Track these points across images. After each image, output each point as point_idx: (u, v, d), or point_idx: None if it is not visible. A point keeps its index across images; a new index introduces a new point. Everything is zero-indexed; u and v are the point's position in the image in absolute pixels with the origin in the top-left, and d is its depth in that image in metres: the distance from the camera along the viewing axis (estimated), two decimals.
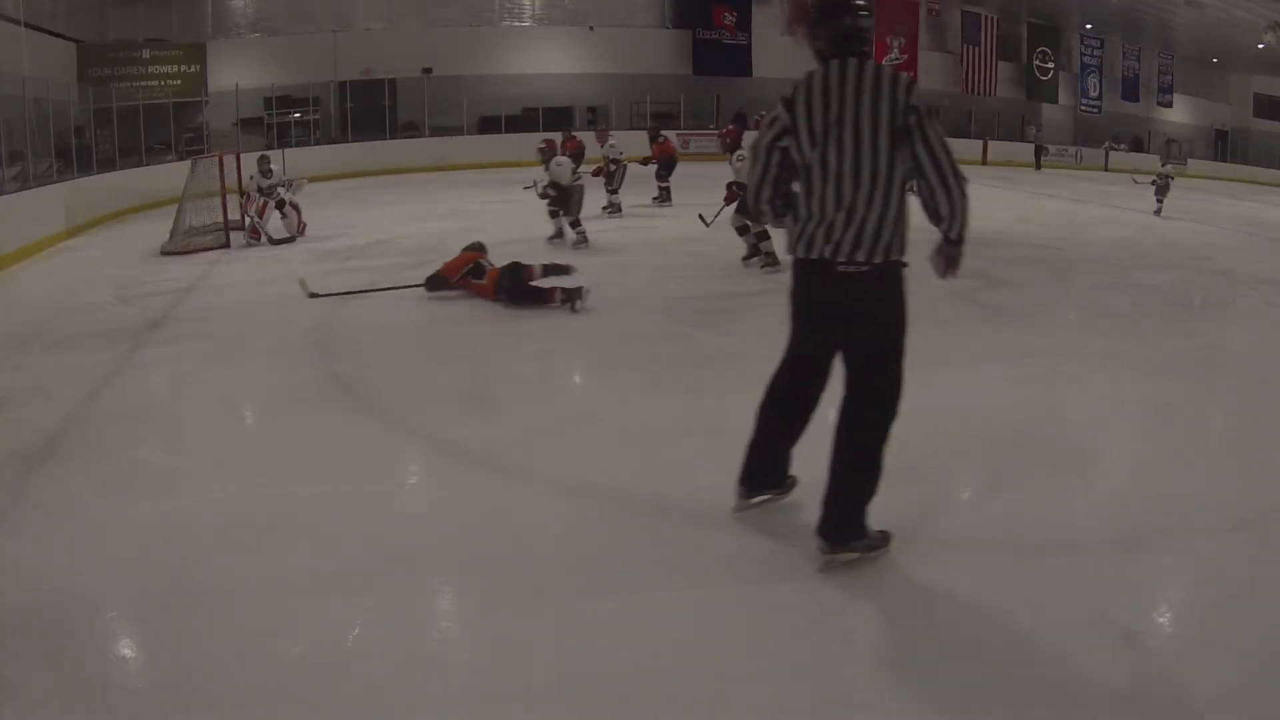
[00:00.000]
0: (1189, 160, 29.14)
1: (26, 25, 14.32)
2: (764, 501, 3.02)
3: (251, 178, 9.74)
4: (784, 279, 2.88)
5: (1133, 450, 4.13)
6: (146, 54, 19.00)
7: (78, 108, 13.94)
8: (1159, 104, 31.98)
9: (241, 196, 9.66)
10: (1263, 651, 2.35)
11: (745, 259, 7.70)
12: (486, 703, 2.17)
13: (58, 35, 16.55)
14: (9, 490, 3.30)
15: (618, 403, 4.47)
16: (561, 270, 6.59)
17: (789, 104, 2.55)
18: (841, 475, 2.67)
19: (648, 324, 5.96)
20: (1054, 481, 3.49)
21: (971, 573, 2.78)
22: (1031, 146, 26.95)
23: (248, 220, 9.43)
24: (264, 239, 9.35)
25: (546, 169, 8.89)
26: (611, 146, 11.70)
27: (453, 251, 6.85)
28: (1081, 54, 30.62)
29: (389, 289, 6.79)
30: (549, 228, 9.12)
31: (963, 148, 25.87)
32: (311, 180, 15.36)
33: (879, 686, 2.22)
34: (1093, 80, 30.88)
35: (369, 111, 20.67)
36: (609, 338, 5.71)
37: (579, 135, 13.40)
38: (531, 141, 15.39)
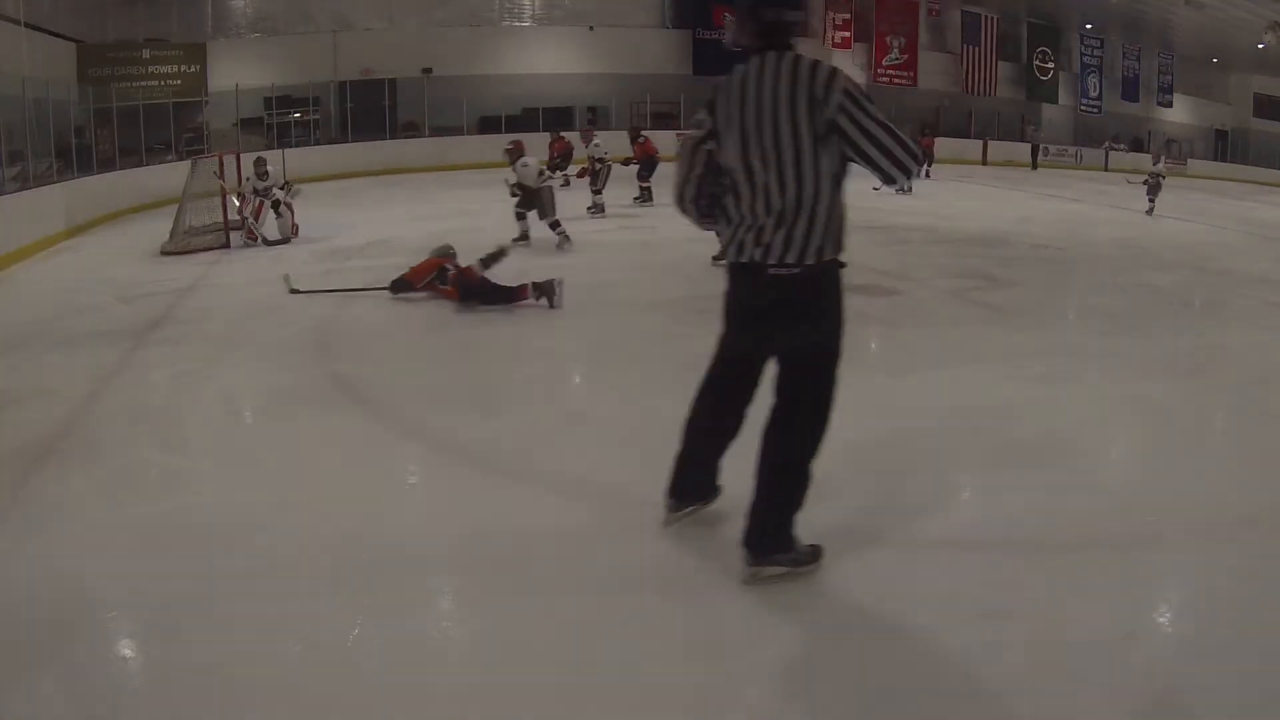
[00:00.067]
0: (1189, 160, 29.17)
1: (26, 25, 14.32)
2: (693, 512, 2.91)
3: (247, 179, 9.75)
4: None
5: (1132, 450, 4.13)
6: (146, 54, 19.01)
7: (78, 108, 13.95)
8: (1159, 104, 31.98)
9: (237, 197, 9.66)
10: (1263, 651, 2.35)
11: (716, 259, 7.63)
12: (486, 703, 2.16)
13: (58, 35, 16.55)
14: (9, 490, 3.30)
15: (617, 403, 4.47)
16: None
17: (711, 106, 2.48)
18: (767, 485, 2.57)
19: (646, 324, 5.96)
20: (1053, 481, 3.49)
21: (971, 572, 2.78)
22: (1034, 147, 26.95)
23: (245, 221, 9.44)
24: (259, 240, 9.36)
25: (514, 170, 8.89)
26: (596, 146, 11.73)
27: (455, 249, 6.85)
28: (1081, 54, 30.63)
29: (361, 290, 6.79)
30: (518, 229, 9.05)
31: (963, 148, 25.95)
32: (312, 180, 15.40)
33: (879, 685, 2.22)
34: (1093, 80, 30.88)
35: (369, 111, 20.68)
36: (608, 337, 5.71)
37: (567, 136, 13.37)
38: (533, 141, 15.49)
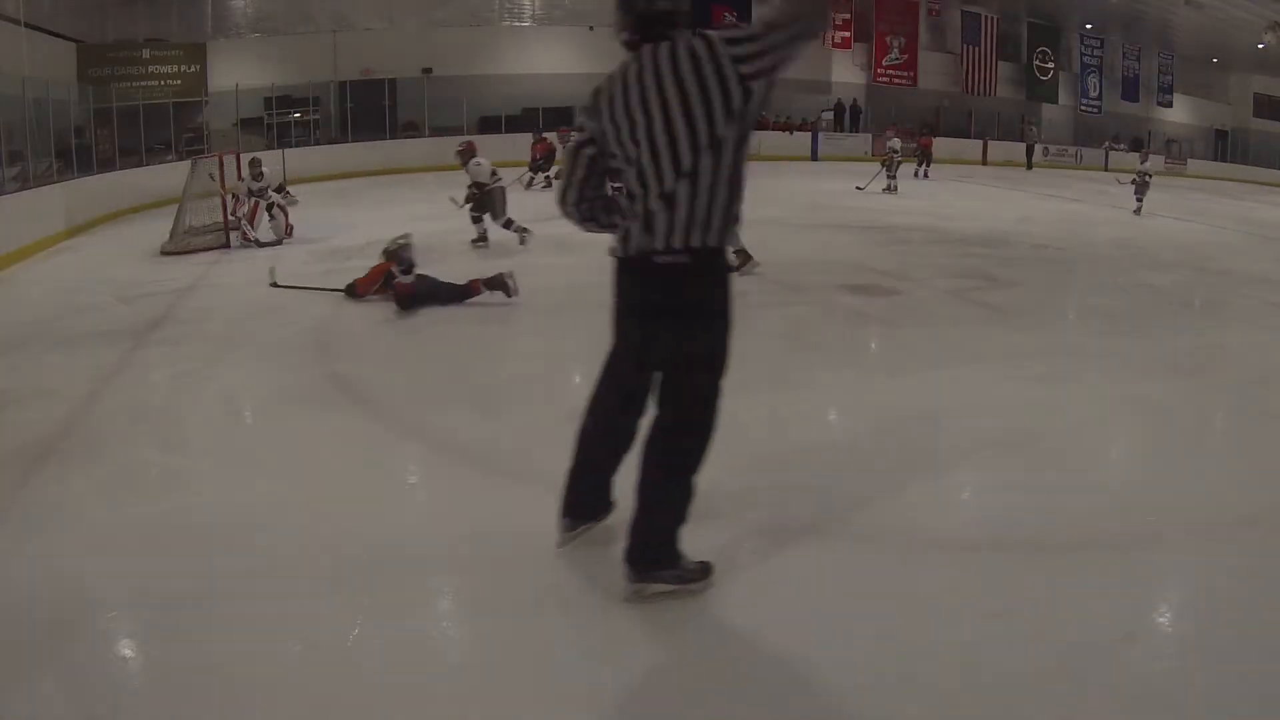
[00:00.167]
0: (1189, 160, 29.17)
1: (26, 25, 14.32)
2: (586, 530, 2.81)
3: (242, 179, 9.74)
4: (782, 277, 2.87)
5: (1132, 450, 4.14)
6: (146, 54, 19.01)
7: (78, 108, 13.94)
8: (1159, 104, 31.97)
9: (230, 197, 9.65)
10: (1263, 651, 2.35)
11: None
12: (486, 703, 2.16)
13: (58, 35, 16.55)
14: (9, 490, 3.30)
15: None
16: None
17: (591, 110, 2.40)
18: (648, 499, 2.47)
19: None
20: (1053, 481, 3.49)
21: (971, 572, 2.78)
22: (1029, 147, 26.95)
23: (239, 221, 9.42)
24: (253, 241, 9.32)
25: (466, 170, 8.90)
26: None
27: (452, 249, 6.86)
28: (1081, 54, 30.62)
29: (335, 290, 6.78)
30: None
31: (962, 148, 25.96)
32: (312, 180, 15.38)
33: (879, 685, 2.22)
34: (1093, 80, 30.88)
35: (369, 111, 20.67)
36: (608, 337, 5.70)
37: (549, 137, 13.32)
38: (530, 142, 15.47)
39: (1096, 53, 30.81)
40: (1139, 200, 13.86)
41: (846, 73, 26.88)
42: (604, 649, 2.37)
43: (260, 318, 6.24)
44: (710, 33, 2.26)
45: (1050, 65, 30.01)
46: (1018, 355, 5.33)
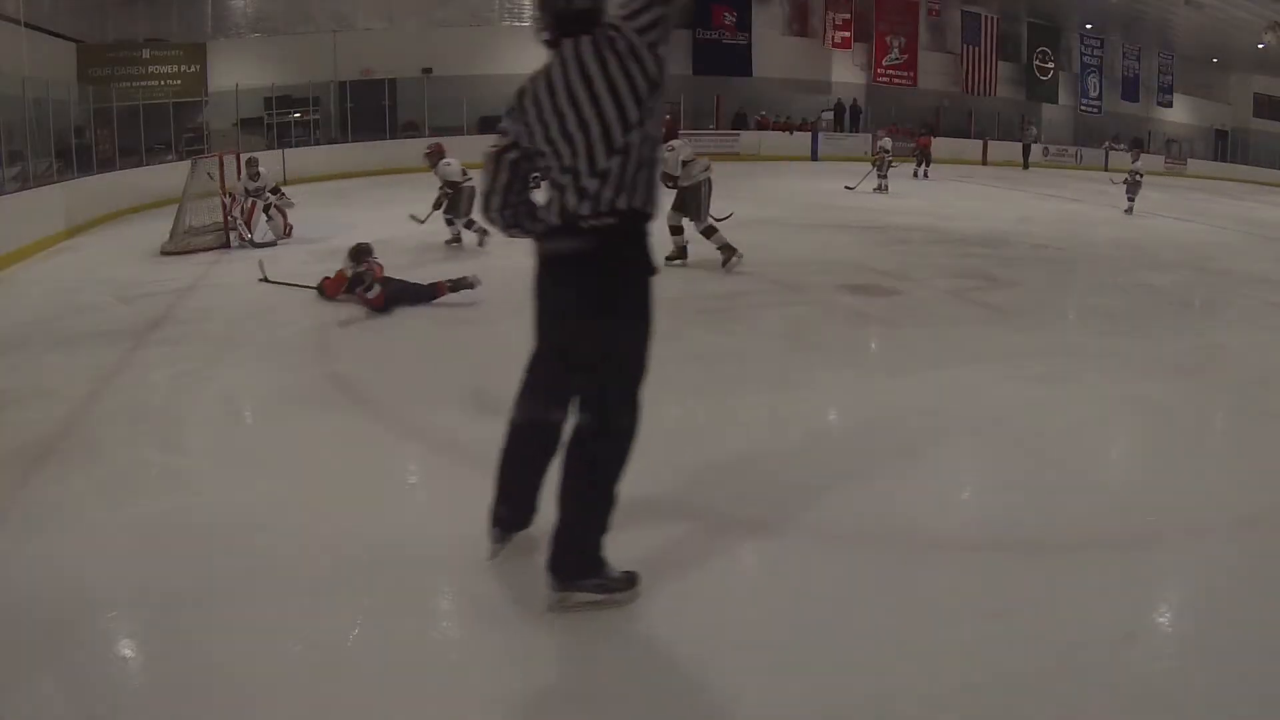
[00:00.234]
0: (1189, 160, 29.17)
1: (26, 25, 14.31)
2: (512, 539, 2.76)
3: (238, 179, 9.73)
4: (782, 277, 2.87)
5: (1132, 450, 4.14)
6: (146, 54, 18.99)
7: (78, 108, 13.93)
8: (1159, 104, 31.97)
9: (227, 196, 9.64)
10: (1263, 651, 2.35)
11: (669, 258, 7.61)
12: (486, 703, 2.16)
13: (58, 35, 16.54)
14: (9, 490, 3.30)
15: None
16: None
17: (517, 111, 2.37)
18: (568, 505, 2.44)
19: None
20: (1053, 481, 3.50)
21: (971, 572, 2.79)
22: (1025, 146, 26.93)
23: (234, 221, 9.40)
24: (247, 242, 9.28)
25: (436, 172, 8.90)
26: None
27: (433, 250, 6.86)
28: (1081, 54, 30.61)
29: (309, 287, 6.79)
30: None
31: (962, 148, 25.94)
32: (312, 180, 15.37)
33: (879, 685, 2.22)
34: (1093, 80, 30.87)
35: (369, 111, 20.64)
36: None
37: None
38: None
39: (1096, 53, 30.80)
40: (1130, 200, 13.88)
41: (846, 73, 26.87)
42: (601, 648, 2.37)
43: (260, 318, 6.24)
44: (613, 19, 2.28)
45: (1050, 65, 30.00)
46: (1018, 355, 5.33)
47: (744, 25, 24.86)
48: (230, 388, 4.75)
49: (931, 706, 2.14)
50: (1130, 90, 31.43)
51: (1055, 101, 30.40)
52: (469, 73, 21.59)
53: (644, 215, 2.36)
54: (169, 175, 12.33)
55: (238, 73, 19.09)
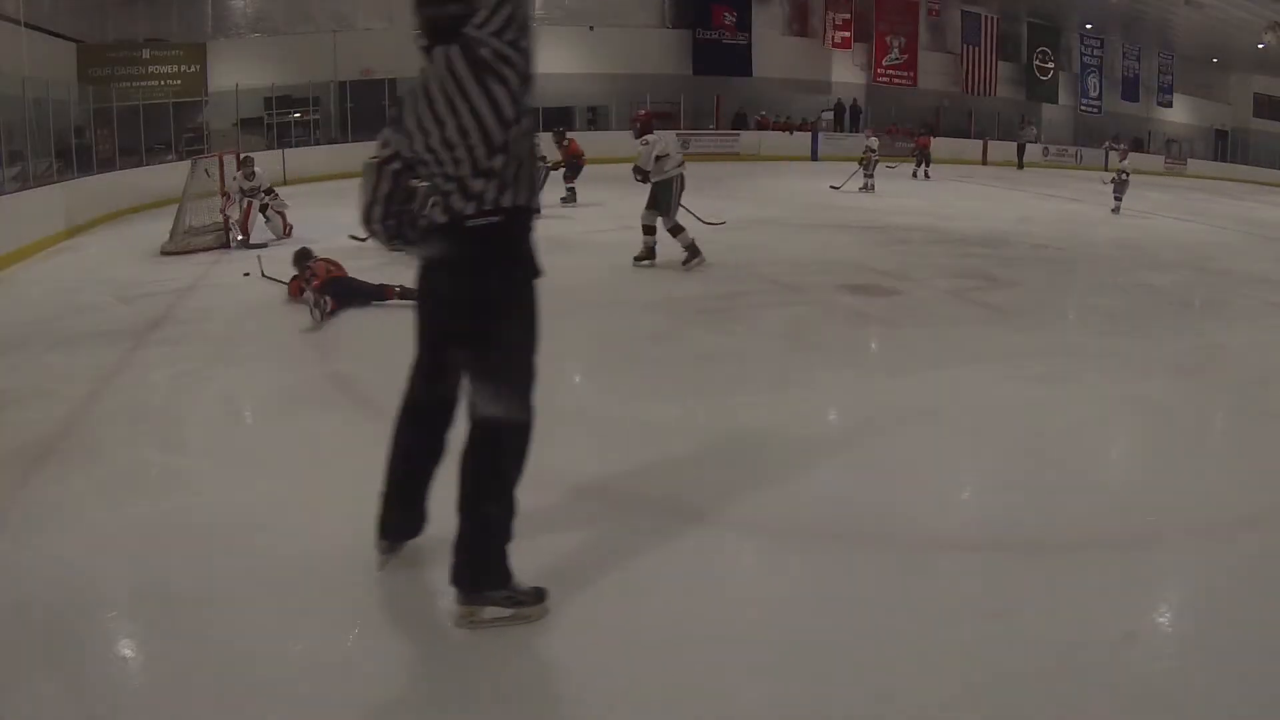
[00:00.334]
0: (1189, 160, 29.17)
1: (26, 25, 14.30)
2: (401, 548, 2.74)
3: (234, 179, 9.71)
4: (782, 277, 2.87)
5: (1132, 450, 4.14)
6: (146, 54, 18.98)
7: (78, 108, 13.92)
8: (1159, 104, 31.99)
9: (222, 195, 9.62)
10: (1263, 652, 2.35)
11: (638, 259, 7.62)
12: (486, 703, 2.17)
13: (58, 35, 16.53)
14: (9, 490, 3.30)
15: (617, 402, 4.47)
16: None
17: (398, 122, 2.40)
18: (465, 512, 2.40)
19: (646, 323, 5.95)
20: (1053, 481, 3.49)
21: (971, 572, 2.79)
22: (1028, 146, 26.91)
23: (228, 221, 9.38)
24: (240, 242, 9.23)
25: None
26: (536, 147, 11.76)
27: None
28: (1081, 54, 30.63)
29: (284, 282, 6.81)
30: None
31: (962, 148, 25.94)
32: (312, 180, 15.37)
33: (879, 685, 2.22)
34: (1093, 80, 30.89)
35: (369, 111, 20.61)
36: (608, 337, 5.72)
37: None
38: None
39: (1096, 53, 30.82)
40: (1117, 199, 13.88)
41: (846, 73, 26.88)
42: (602, 648, 2.37)
43: (260, 318, 6.24)
44: (469, 31, 2.28)
45: (1050, 65, 30.01)
46: (1018, 355, 5.33)
47: (744, 25, 24.86)
48: (230, 388, 4.75)
49: (931, 706, 2.14)
50: (1130, 90, 31.45)
51: (1055, 101, 30.42)
52: None
53: (528, 211, 2.39)
54: (169, 175, 12.33)
55: (238, 73, 19.08)
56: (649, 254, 7.63)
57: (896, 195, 15.51)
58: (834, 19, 26.11)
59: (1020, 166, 25.53)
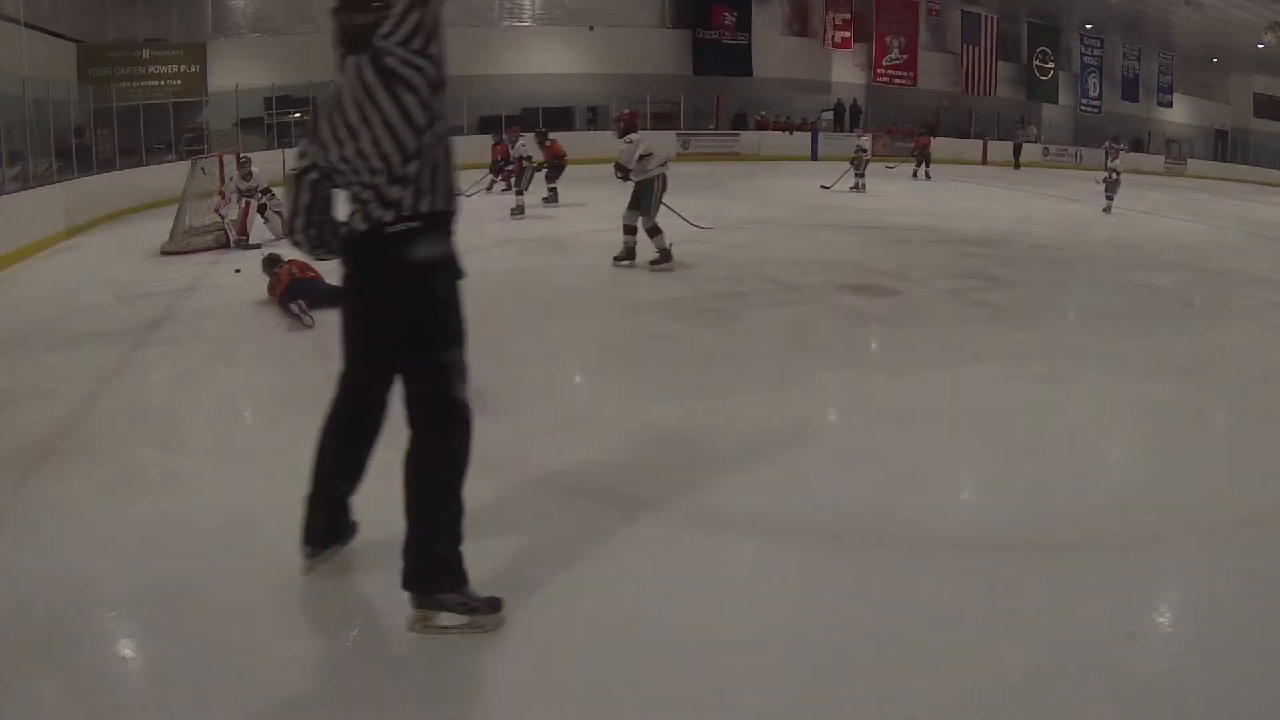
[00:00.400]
0: (1189, 160, 29.16)
1: (26, 25, 14.30)
2: (331, 555, 2.73)
3: (230, 179, 9.70)
4: (782, 277, 2.87)
5: (1132, 450, 4.14)
6: (146, 54, 18.99)
7: (78, 108, 13.92)
8: (1159, 104, 31.99)
9: (218, 197, 9.61)
10: (1263, 652, 2.35)
11: (617, 259, 7.59)
12: (486, 703, 2.17)
13: (58, 35, 16.54)
14: (9, 490, 3.30)
15: (617, 402, 4.47)
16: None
17: (313, 133, 2.41)
18: (411, 516, 2.41)
19: (646, 323, 5.95)
20: (1053, 481, 3.49)
21: (971, 572, 2.78)
22: (1029, 146, 26.91)
23: (228, 222, 9.36)
24: (237, 243, 9.21)
25: None
26: (521, 146, 11.79)
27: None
28: (1081, 54, 30.63)
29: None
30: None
31: (962, 148, 25.94)
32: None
33: (879, 685, 2.22)
34: (1093, 80, 30.89)
35: None
36: (607, 337, 5.72)
37: (507, 140, 13.25)
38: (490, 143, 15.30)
39: (1096, 53, 30.82)
40: (1109, 199, 13.88)
41: (846, 73, 26.88)
42: (601, 648, 2.37)
43: (260, 318, 6.24)
44: (377, 42, 2.29)
45: (1050, 65, 30.01)
46: (1018, 355, 5.33)
47: (744, 25, 24.86)
48: (230, 388, 4.75)
49: (932, 706, 2.14)
50: (1130, 90, 31.45)
51: (1055, 101, 30.42)
52: (469, 73, 21.56)
53: (447, 215, 2.40)
54: (169, 175, 12.33)
55: (238, 73, 19.09)
56: (629, 254, 7.63)
57: (896, 195, 15.51)
58: (834, 19, 26.11)
59: (1016, 166, 25.52)
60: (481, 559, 2.82)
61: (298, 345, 5.51)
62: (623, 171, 7.51)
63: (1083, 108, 30.81)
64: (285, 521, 3.07)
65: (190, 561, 2.79)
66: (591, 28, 23.23)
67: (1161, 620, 2.62)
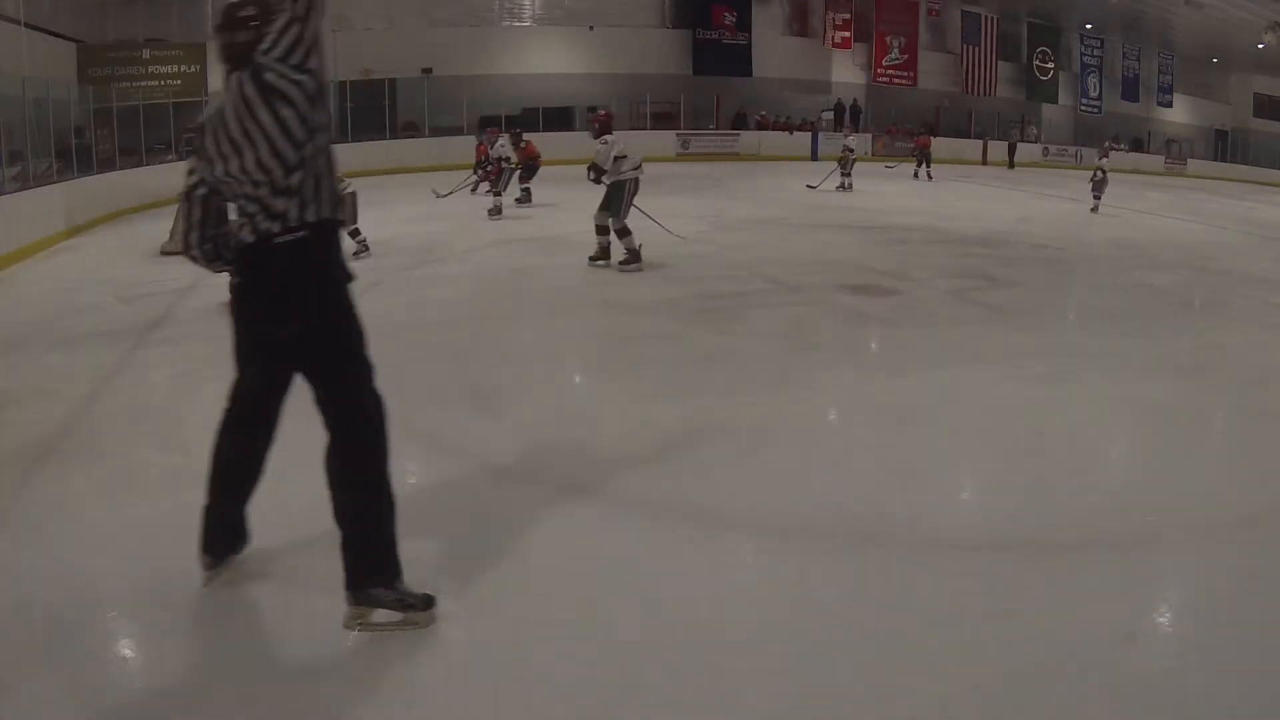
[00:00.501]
0: (1189, 160, 29.17)
1: (26, 25, 14.30)
2: (228, 565, 2.71)
3: None
4: (782, 277, 2.87)
5: (1132, 450, 4.14)
6: (146, 54, 18.98)
7: (78, 108, 13.90)
8: (1159, 104, 31.98)
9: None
10: (1263, 652, 2.35)
11: (592, 259, 7.60)
12: (486, 703, 2.17)
13: (58, 35, 16.53)
14: (9, 490, 3.30)
15: (617, 402, 4.47)
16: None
17: (199, 149, 2.46)
18: (340, 517, 2.44)
19: (646, 323, 5.95)
20: (1054, 482, 3.50)
21: (971, 572, 2.79)
22: (1029, 146, 26.90)
23: None
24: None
25: None
26: (500, 147, 11.83)
27: (455, 249, 6.85)
28: (1081, 54, 30.63)
29: None
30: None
31: (962, 148, 25.94)
32: None
33: (879, 686, 2.22)
34: (1093, 80, 30.88)
35: (369, 111, 20.65)
36: (608, 337, 5.72)
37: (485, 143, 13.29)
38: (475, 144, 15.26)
39: (1096, 53, 30.82)
40: (1096, 198, 13.85)
41: (846, 73, 26.88)
42: (602, 647, 2.37)
43: None
44: (257, 58, 2.32)
45: (1050, 65, 30.01)
46: (1018, 355, 5.33)
47: (744, 25, 24.86)
48: (230, 388, 4.74)
49: (932, 706, 2.14)
50: (1130, 90, 31.45)
51: (1055, 101, 30.42)
52: (469, 73, 21.61)
53: (332, 223, 2.45)
54: (169, 175, 12.29)
55: None
56: (603, 254, 7.64)
57: (896, 195, 15.51)
58: (834, 19, 26.10)
59: (1011, 166, 25.51)
60: (483, 559, 2.83)
61: None
62: (597, 172, 7.49)
63: (1083, 108, 30.81)
64: (285, 521, 3.08)
65: (190, 562, 2.78)
66: (591, 28, 23.23)
67: (1161, 620, 2.62)
